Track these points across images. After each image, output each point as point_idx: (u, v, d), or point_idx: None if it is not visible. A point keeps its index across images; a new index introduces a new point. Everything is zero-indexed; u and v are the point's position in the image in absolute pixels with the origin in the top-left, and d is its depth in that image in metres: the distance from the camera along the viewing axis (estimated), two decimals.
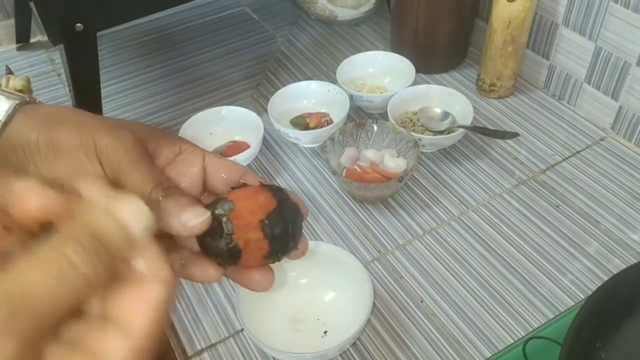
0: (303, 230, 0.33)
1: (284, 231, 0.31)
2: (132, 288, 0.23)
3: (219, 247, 0.29)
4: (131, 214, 0.23)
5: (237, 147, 0.81)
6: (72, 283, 0.21)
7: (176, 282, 0.25)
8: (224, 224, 0.29)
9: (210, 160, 0.34)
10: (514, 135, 0.81)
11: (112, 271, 0.22)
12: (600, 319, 0.43)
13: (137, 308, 0.23)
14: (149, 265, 0.24)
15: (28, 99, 0.32)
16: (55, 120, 0.31)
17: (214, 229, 0.29)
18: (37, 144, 0.30)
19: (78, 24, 0.74)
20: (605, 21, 0.78)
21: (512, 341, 0.61)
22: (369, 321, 0.63)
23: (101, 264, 0.22)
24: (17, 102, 0.31)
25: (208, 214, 0.29)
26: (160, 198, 0.29)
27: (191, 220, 0.29)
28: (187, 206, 0.29)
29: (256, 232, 0.30)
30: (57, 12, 0.73)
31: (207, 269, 0.31)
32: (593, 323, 0.42)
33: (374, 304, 0.65)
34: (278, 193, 0.32)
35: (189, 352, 0.63)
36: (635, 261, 0.58)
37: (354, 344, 0.62)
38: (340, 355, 0.61)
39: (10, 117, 0.31)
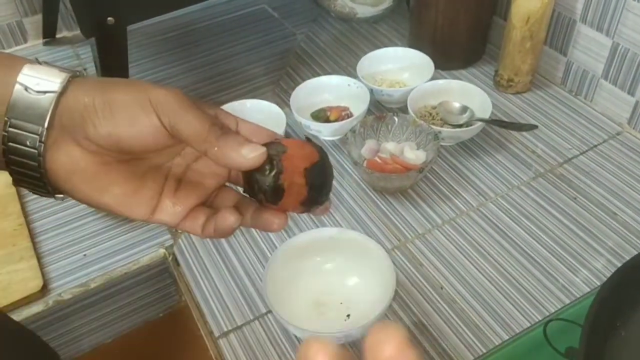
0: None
1: (321, 183, 0.34)
2: None
3: (265, 183, 0.32)
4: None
5: None
6: None
7: None
8: (275, 163, 0.32)
9: (243, 125, 0.37)
10: (533, 127, 0.82)
11: None
12: (620, 298, 0.45)
13: None
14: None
15: (78, 73, 0.35)
16: (107, 84, 0.34)
17: (265, 166, 0.32)
18: (93, 106, 0.32)
19: (109, 18, 0.77)
20: (622, 17, 0.79)
21: (529, 325, 0.62)
22: (390, 306, 0.65)
23: None
24: (70, 74, 0.34)
25: (264, 149, 0.32)
26: (219, 135, 0.32)
27: (250, 153, 0.32)
28: (245, 142, 0.33)
29: (300, 178, 0.33)
30: (89, 5, 0.76)
31: (272, 219, 0.35)
32: (613, 302, 0.44)
33: (394, 290, 0.66)
34: (320, 150, 0.35)
35: (216, 333, 0.65)
36: None
37: None
38: (363, 337, 0.62)
39: (65, 88, 0.33)
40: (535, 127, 0.84)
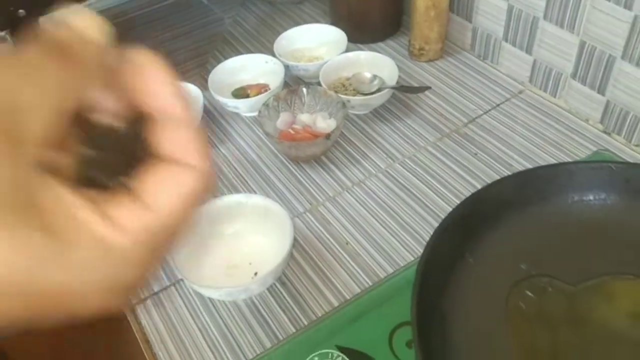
0: None
1: None
2: (167, 169, 0.23)
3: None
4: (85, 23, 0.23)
5: None
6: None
7: (213, 174, 0.24)
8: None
9: None
10: (426, 88, 0.87)
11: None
12: (466, 228, 0.49)
13: (164, 190, 0.22)
14: (190, 148, 0.23)
15: None
16: None
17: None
18: None
19: (20, 10, 0.79)
20: None
21: None
22: (297, 262, 0.69)
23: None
24: None
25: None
26: None
27: None
28: None
29: None
30: None
31: None
32: (458, 230, 0.48)
33: (302, 248, 0.71)
34: None
35: (134, 299, 0.68)
36: None
37: (283, 283, 0.68)
38: (268, 289, 0.67)
39: None
40: (429, 88, 0.88)
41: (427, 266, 0.44)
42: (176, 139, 0.23)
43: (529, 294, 0.50)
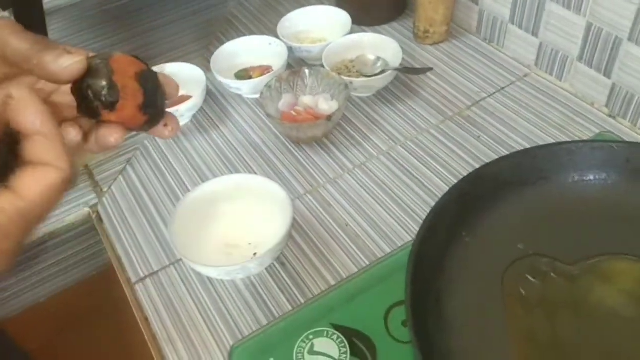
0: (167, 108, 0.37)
1: (155, 88, 0.35)
2: (34, 168, 0.31)
3: (99, 85, 0.32)
4: None
5: (181, 99, 0.87)
6: None
7: (72, 173, 0.32)
8: (104, 65, 0.33)
9: None
10: (429, 69, 0.86)
11: None
12: (463, 207, 0.49)
13: (32, 183, 0.30)
14: (52, 153, 0.31)
15: None
16: None
17: (95, 72, 0.33)
18: None
19: None
20: None
21: None
22: (296, 243, 0.69)
23: None
24: None
25: (82, 57, 0.33)
26: (40, 50, 0.33)
27: (67, 61, 0.33)
28: (63, 53, 0.33)
29: (133, 82, 0.33)
30: None
31: (108, 134, 0.35)
32: (455, 208, 0.48)
33: (302, 229, 0.71)
34: (146, 63, 0.36)
35: (133, 279, 0.69)
36: None
37: (282, 263, 0.68)
38: (266, 269, 0.67)
39: None
40: (431, 69, 0.87)
41: (422, 245, 0.43)
42: (41, 147, 0.31)
43: (526, 274, 0.49)
